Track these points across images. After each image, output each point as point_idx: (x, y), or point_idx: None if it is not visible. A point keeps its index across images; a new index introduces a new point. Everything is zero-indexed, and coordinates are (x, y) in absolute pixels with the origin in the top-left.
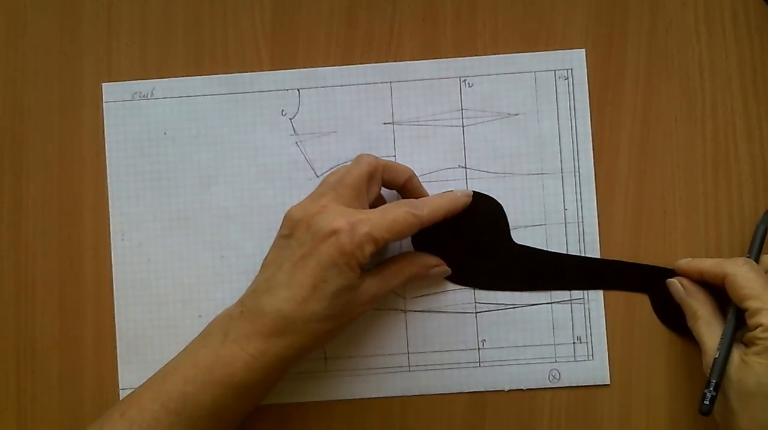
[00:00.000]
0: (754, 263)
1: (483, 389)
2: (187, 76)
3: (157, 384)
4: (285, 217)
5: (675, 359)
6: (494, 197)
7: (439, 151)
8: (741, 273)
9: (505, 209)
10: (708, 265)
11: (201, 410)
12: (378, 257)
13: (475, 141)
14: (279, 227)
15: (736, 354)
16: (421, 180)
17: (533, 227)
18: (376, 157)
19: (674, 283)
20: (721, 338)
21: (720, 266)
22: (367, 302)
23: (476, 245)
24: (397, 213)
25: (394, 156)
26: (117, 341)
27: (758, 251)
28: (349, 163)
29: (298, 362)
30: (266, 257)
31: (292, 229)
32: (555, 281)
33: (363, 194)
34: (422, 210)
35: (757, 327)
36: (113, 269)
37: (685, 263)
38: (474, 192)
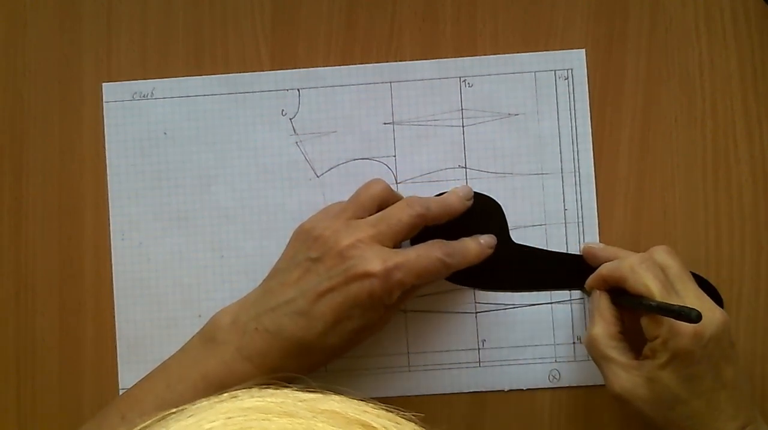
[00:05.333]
0: (651, 257)
1: (483, 389)
2: (187, 76)
3: (161, 390)
4: (310, 234)
5: None
6: (494, 197)
7: (439, 151)
8: (636, 278)
9: (504, 209)
10: (607, 271)
11: None
12: None
13: (475, 141)
14: (293, 235)
15: (638, 379)
16: (421, 180)
17: (533, 227)
18: (428, 204)
19: (595, 294)
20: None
21: (618, 270)
22: (381, 329)
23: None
24: (430, 260)
25: (394, 156)
26: (117, 341)
27: None
28: (349, 162)
29: None
30: (288, 273)
31: (321, 253)
32: (555, 280)
33: (401, 238)
34: (454, 259)
35: (654, 338)
36: (113, 268)
37: (605, 267)
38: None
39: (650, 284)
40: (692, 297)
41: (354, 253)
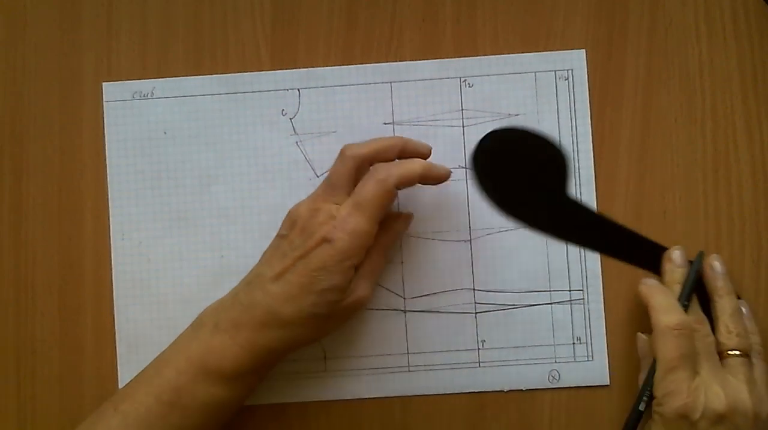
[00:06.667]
0: (686, 317)
1: (483, 390)
2: (187, 76)
3: (150, 377)
4: (286, 217)
5: None
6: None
7: (439, 151)
8: (665, 332)
9: None
10: (652, 303)
11: (193, 401)
12: None
13: (475, 141)
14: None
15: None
16: None
17: None
18: (361, 146)
19: (641, 339)
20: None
21: (654, 319)
22: (357, 302)
23: (535, 182)
24: (366, 192)
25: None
26: (117, 341)
27: (689, 294)
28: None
29: (287, 355)
30: (265, 252)
31: (288, 229)
32: (599, 245)
33: (380, 210)
34: (391, 177)
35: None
36: (113, 269)
37: (641, 289)
38: (541, 135)
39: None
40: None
41: (312, 221)
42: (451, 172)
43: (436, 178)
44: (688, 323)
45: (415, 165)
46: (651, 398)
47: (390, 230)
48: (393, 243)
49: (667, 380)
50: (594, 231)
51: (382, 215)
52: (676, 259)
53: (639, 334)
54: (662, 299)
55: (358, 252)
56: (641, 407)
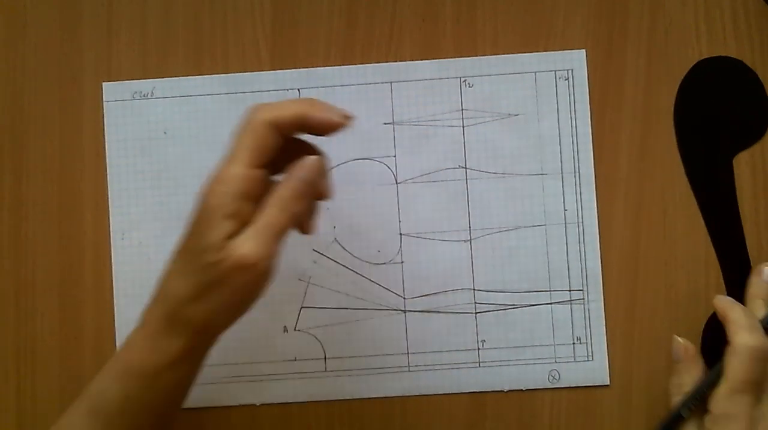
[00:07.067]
0: (766, 341)
1: (483, 390)
2: (187, 76)
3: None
4: None
5: None
6: (496, 196)
7: (439, 151)
8: (743, 352)
9: (504, 209)
10: (731, 317)
11: (111, 405)
12: None
13: (475, 141)
14: None
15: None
16: (421, 180)
17: (533, 227)
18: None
19: (677, 341)
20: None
21: (733, 335)
22: (240, 262)
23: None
24: (236, 135)
25: (394, 156)
26: (117, 341)
27: None
28: (349, 162)
29: (204, 348)
30: None
31: None
32: (710, 218)
33: (261, 154)
34: (258, 113)
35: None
36: (113, 268)
37: (720, 303)
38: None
39: None
40: None
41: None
42: (346, 118)
43: (319, 122)
44: (767, 347)
45: (291, 102)
46: (695, 406)
47: (290, 179)
48: (296, 195)
49: (731, 400)
50: (719, 206)
51: (258, 159)
52: (766, 275)
53: (675, 336)
54: (743, 315)
55: (225, 201)
56: (684, 413)
